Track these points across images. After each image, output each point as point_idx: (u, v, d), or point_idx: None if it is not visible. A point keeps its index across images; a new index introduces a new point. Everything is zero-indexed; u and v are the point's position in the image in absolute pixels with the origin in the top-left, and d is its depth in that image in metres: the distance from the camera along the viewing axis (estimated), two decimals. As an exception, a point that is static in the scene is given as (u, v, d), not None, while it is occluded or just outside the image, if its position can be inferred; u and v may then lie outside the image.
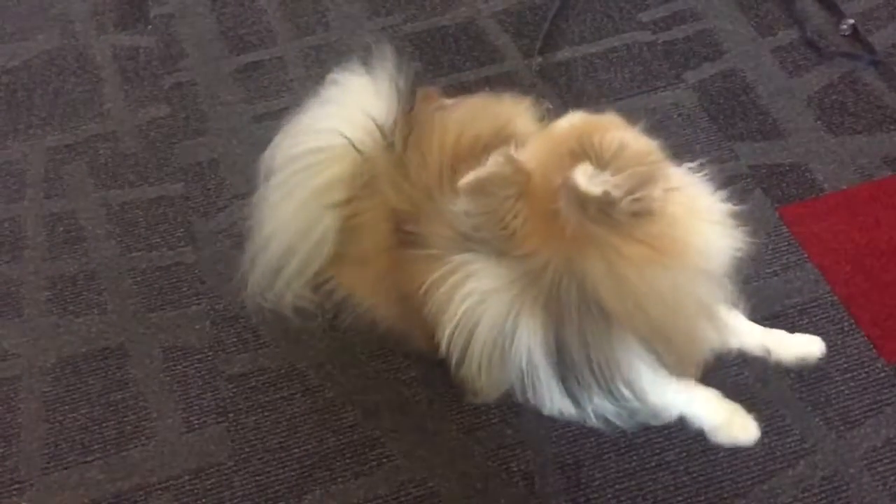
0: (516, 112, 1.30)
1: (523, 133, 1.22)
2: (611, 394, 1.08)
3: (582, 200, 0.96)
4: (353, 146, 1.27)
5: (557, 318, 1.03)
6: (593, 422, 1.18)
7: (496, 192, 1.02)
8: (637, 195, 0.97)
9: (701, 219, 1.06)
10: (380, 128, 1.27)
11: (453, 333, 1.10)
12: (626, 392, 1.08)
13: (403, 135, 1.25)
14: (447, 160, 1.19)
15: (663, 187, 1.00)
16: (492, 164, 1.02)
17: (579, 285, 1.01)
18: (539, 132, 1.23)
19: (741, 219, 1.11)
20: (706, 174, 1.14)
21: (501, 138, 1.17)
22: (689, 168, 1.14)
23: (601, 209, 0.97)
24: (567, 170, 0.97)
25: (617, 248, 0.98)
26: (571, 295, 1.01)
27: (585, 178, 0.95)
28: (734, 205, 1.12)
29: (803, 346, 1.33)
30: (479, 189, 1.04)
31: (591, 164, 0.97)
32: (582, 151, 0.99)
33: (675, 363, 1.08)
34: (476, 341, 1.09)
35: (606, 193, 0.95)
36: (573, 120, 1.10)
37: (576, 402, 1.12)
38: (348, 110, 1.31)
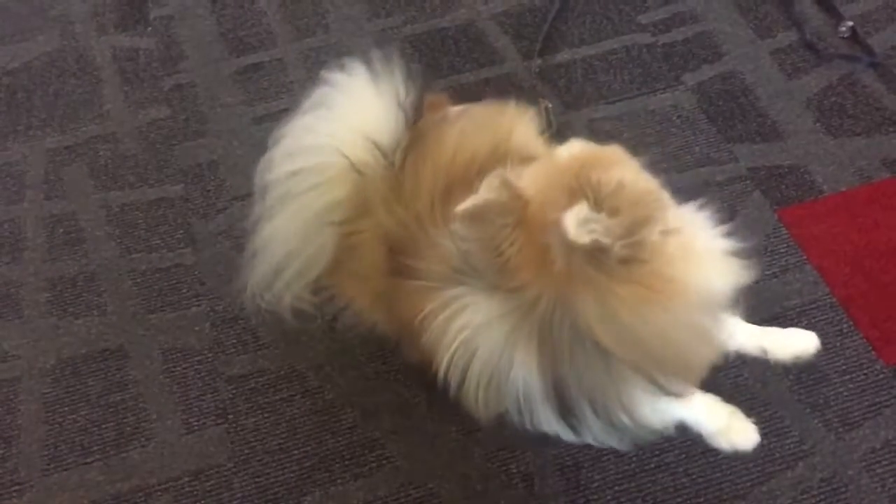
0: (516, 126, 1.29)
1: (521, 149, 1.20)
2: (611, 424, 1.07)
3: (571, 245, 0.95)
4: (354, 167, 1.24)
5: (552, 353, 1.02)
6: (594, 443, 1.17)
7: (493, 220, 1.01)
8: (629, 240, 0.95)
9: (699, 259, 1.03)
10: (380, 147, 1.24)
11: (450, 363, 1.09)
12: (627, 421, 1.07)
13: (402, 152, 1.23)
14: (440, 186, 1.16)
15: (660, 229, 0.98)
16: (489, 189, 1.01)
17: (572, 322, 0.99)
18: (539, 155, 1.22)
19: (743, 255, 1.09)
20: (708, 210, 1.12)
21: (498, 156, 1.16)
22: (692, 207, 1.12)
23: (591, 254, 0.95)
24: (562, 206, 0.95)
25: (609, 289, 0.96)
26: (564, 331, 1.00)
27: (575, 225, 0.93)
28: (736, 241, 1.10)
29: (799, 344, 1.33)
30: (476, 216, 1.02)
31: (586, 204, 0.95)
32: (579, 189, 0.96)
33: (676, 388, 1.07)
34: (472, 372, 1.08)
35: (596, 242, 0.93)
36: (575, 149, 1.08)
37: (575, 431, 1.11)
38: (351, 125, 1.28)
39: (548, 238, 0.97)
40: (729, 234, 1.11)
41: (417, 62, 1.85)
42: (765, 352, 1.31)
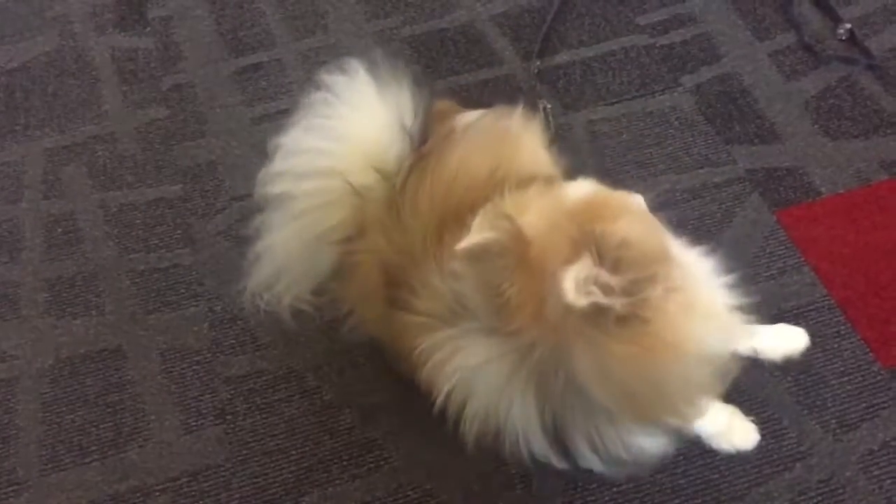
0: (521, 142, 1.25)
1: (524, 169, 1.17)
2: (610, 458, 1.07)
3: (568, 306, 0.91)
4: (355, 191, 1.22)
5: (550, 396, 1.01)
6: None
7: (493, 259, 0.97)
8: (631, 300, 0.91)
9: (702, 319, 0.99)
10: (383, 172, 1.21)
11: (447, 398, 1.08)
12: (628, 457, 1.07)
13: (404, 174, 1.19)
14: (433, 220, 1.13)
15: (663, 287, 0.94)
16: (491, 227, 0.97)
17: (567, 373, 0.97)
18: (546, 171, 1.20)
19: (748, 310, 1.08)
20: (714, 257, 1.10)
21: (495, 182, 1.12)
22: (698, 253, 1.10)
23: (590, 313, 0.91)
24: (564, 257, 0.92)
25: (606, 348, 0.93)
26: (561, 378, 0.98)
27: (573, 287, 0.89)
28: (740, 295, 1.09)
29: (788, 344, 1.34)
30: (475, 255, 0.99)
31: (588, 260, 0.91)
32: (582, 241, 0.92)
33: (674, 426, 1.08)
34: (469, 409, 1.07)
35: (594, 305, 0.89)
36: (584, 191, 1.04)
37: (575, 467, 1.10)
38: (354, 146, 1.24)
39: (546, 288, 0.93)
40: (735, 286, 1.09)
41: (416, 63, 1.85)
42: (756, 352, 1.31)
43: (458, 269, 1.04)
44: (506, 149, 1.22)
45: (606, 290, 0.90)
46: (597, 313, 0.91)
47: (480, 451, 1.08)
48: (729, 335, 1.05)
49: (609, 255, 0.91)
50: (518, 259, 0.96)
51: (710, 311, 1.02)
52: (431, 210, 1.15)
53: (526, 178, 1.14)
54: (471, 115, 1.34)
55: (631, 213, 1.00)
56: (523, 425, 1.05)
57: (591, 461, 1.08)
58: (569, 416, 1.03)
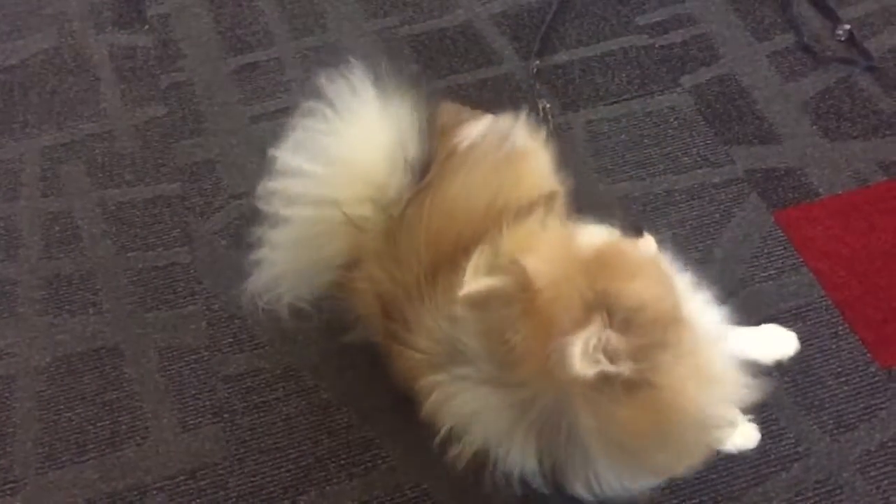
0: (524, 164, 1.21)
1: (527, 194, 1.14)
2: (608, 498, 1.06)
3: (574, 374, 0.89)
4: (352, 222, 1.19)
5: (550, 448, 1.00)
6: None
7: (497, 308, 0.94)
8: (640, 366, 0.89)
9: (708, 383, 0.98)
10: (381, 204, 1.17)
11: (446, 435, 1.08)
12: (625, 494, 1.06)
13: (403, 205, 1.16)
14: (427, 259, 1.11)
15: (673, 352, 0.92)
16: (494, 269, 0.94)
17: (570, 428, 0.96)
18: (551, 192, 1.18)
19: (756, 369, 1.07)
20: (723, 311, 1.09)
21: (494, 213, 1.10)
22: (710, 305, 1.08)
23: (596, 381, 0.89)
24: (575, 318, 0.89)
25: (611, 413, 0.92)
26: (563, 433, 0.97)
27: (581, 357, 0.86)
28: (751, 354, 1.10)
29: (779, 349, 1.34)
30: (479, 302, 0.96)
31: (598, 323, 0.88)
32: (595, 303, 0.89)
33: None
34: (468, 447, 1.07)
35: (601, 374, 0.87)
36: (599, 239, 0.99)
37: (568, 498, 1.10)
38: (353, 175, 1.20)
39: (554, 346, 0.90)
40: (747, 345, 1.09)
41: (415, 62, 1.85)
42: (747, 355, 1.31)
43: (459, 314, 1.01)
44: (507, 175, 1.18)
45: (616, 355, 0.88)
46: (604, 379, 0.89)
47: (468, 472, 1.08)
48: (735, 397, 1.04)
49: (622, 318, 0.89)
50: (525, 308, 0.93)
51: (717, 374, 1.00)
52: (427, 247, 1.12)
53: (526, 206, 1.11)
54: (475, 129, 1.27)
55: (646, 270, 0.96)
56: (520, 467, 1.05)
57: (586, 498, 1.07)
58: (568, 463, 1.02)
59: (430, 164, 1.18)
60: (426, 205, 1.15)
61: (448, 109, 1.33)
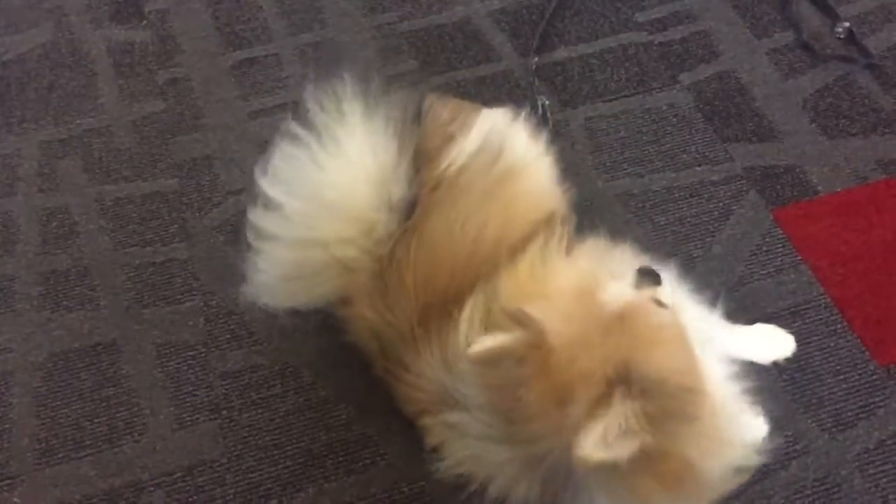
0: (517, 187, 1.18)
1: (517, 228, 1.13)
2: None
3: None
4: (341, 264, 1.18)
5: (554, 492, 0.99)
6: None
7: (509, 367, 0.93)
8: (656, 437, 0.88)
9: (720, 446, 0.98)
10: (369, 246, 1.16)
11: (447, 469, 1.09)
12: None
13: (392, 246, 1.14)
14: (420, 302, 1.10)
15: (690, 423, 0.92)
16: (506, 328, 0.92)
17: (577, 488, 0.96)
18: (553, 208, 1.16)
19: (766, 443, 1.10)
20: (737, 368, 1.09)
21: (488, 245, 1.09)
22: (724, 361, 1.08)
23: None
24: (594, 395, 0.88)
25: (621, 479, 0.91)
26: (569, 486, 0.96)
27: (593, 446, 0.85)
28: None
29: (776, 350, 1.34)
30: (490, 361, 0.95)
31: (619, 404, 0.87)
32: (617, 379, 0.88)
33: None
34: (470, 479, 1.08)
35: (612, 459, 0.86)
36: (623, 298, 0.95)
37: None
38: (342, 216, 1.18)
39: (569, 415, 0.89)
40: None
41: (414, 59, 1.85)
42: (744, 356, 1.31)
43: (461, 367, 1.00)
44: (499, 201, 1.16)
45: (633, 432, 0.87)
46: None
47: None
48: (744, 458, 1.03)
49: (644, 389, 0.88)
50: (539, 366, 0.91)
51: (729, 437, 1.00)
52: (416, 291, 1.11)
53: (521, 241, 1.10)
54: (465, 146, 1.21)
55: (667, 337, 0.94)
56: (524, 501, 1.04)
57: None
58: None
59: (416, 202, 1.16)
60: (412, 246, 1.13)
61: (445, 105, 1.31)
